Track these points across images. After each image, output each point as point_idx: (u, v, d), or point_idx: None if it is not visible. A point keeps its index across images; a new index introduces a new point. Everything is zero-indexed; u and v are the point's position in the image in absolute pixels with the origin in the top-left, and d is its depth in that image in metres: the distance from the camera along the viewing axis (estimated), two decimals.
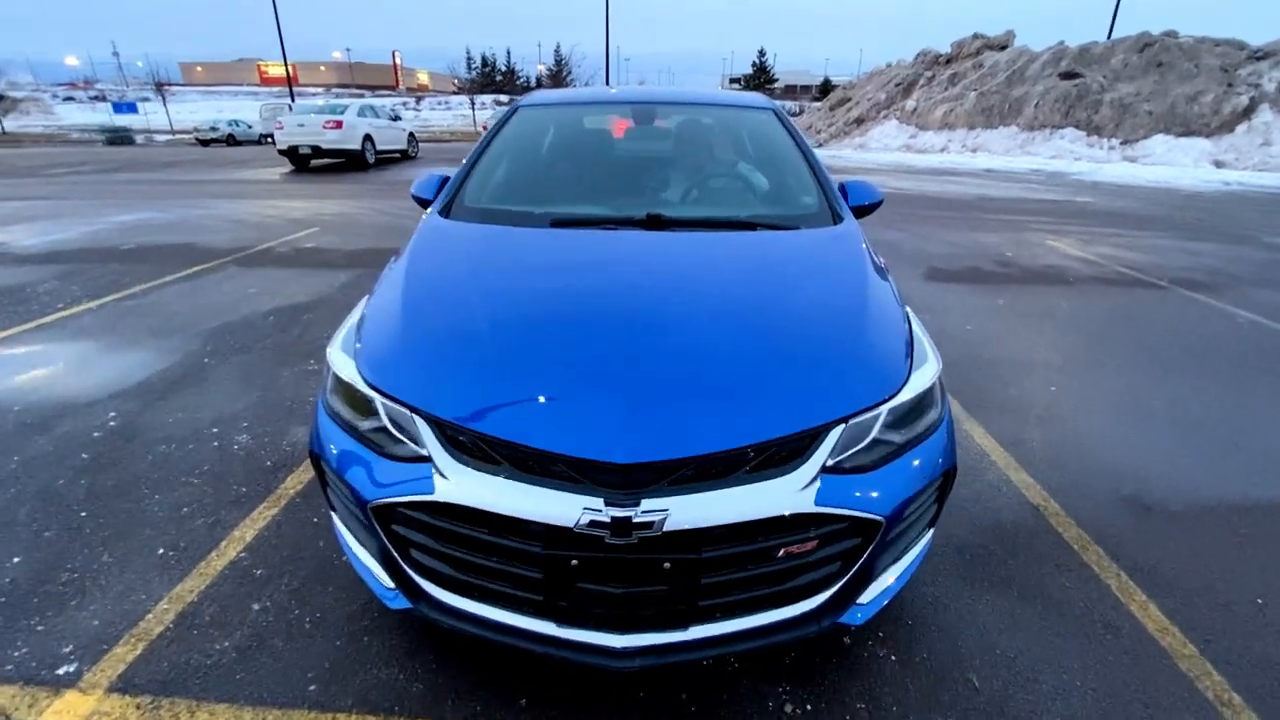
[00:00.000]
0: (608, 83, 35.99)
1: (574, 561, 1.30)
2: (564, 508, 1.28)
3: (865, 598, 1.54)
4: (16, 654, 1.75)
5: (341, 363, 1.62)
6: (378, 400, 1.48)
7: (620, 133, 2.95)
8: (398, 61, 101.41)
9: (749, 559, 1.37)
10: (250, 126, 30.50)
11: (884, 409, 1.47)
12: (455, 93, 78.97)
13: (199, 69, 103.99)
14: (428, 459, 1.38)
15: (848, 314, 1.71)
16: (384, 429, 1.46)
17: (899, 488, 1.45)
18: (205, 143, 29.10)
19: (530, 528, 1.31)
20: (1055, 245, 7.46)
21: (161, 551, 2.16)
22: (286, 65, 35.36)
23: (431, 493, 1.36)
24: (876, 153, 23.59)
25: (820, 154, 24.71)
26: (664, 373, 1.44)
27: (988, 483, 2.61)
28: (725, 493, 1.31)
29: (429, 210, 2.45)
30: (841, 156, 22.34)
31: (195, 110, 46.91)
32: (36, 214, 9.05)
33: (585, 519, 1.26)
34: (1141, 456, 2.82)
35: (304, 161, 15.30)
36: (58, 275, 5.68)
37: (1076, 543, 2.24)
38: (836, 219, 2.33)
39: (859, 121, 28.35)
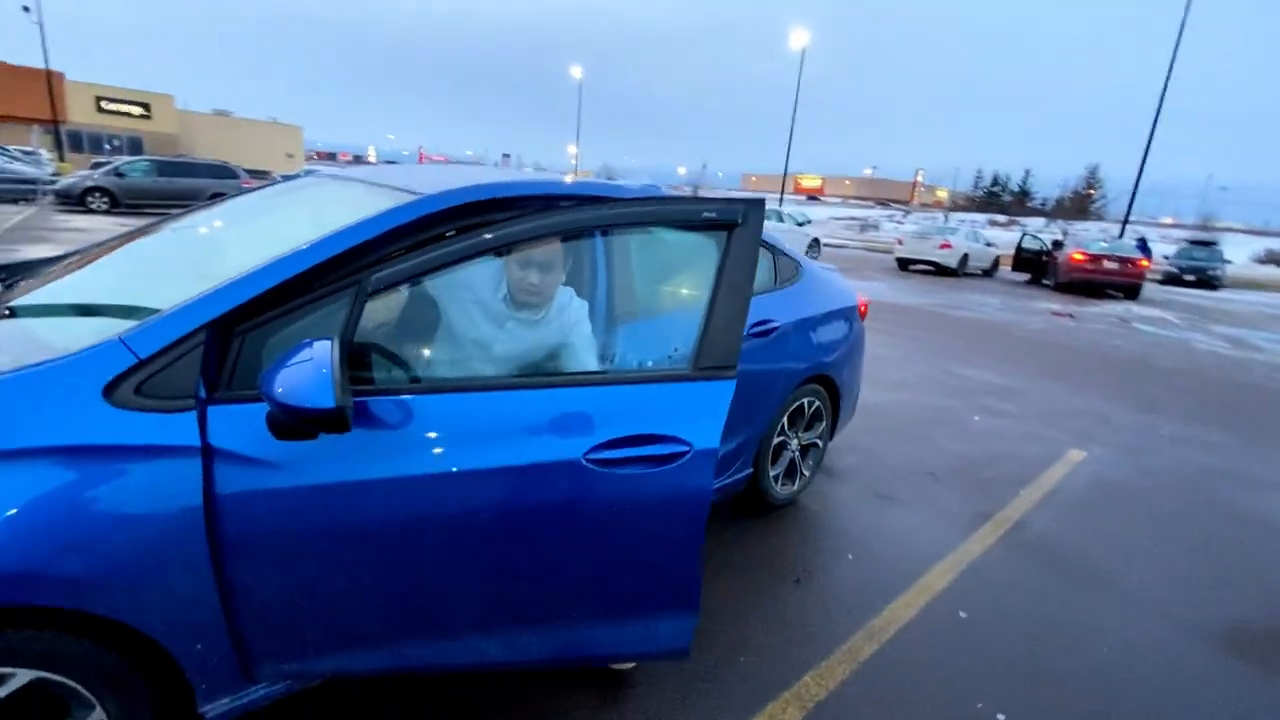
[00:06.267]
0: (1129, 210, 26.08)
1: None
2: None
3: None
4: None
5: None
6: None
7: None
8: (919, 179, 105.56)
9: None
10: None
11: None
12: (951, 209, 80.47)
13: (753, 179, 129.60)
14: None
15: None
16: None
17: None
18: None
19: None
20: None
21: None
22: (782, 178, 40.08)
23: None
24: None
25: None
26: None
27: None
28: None
29: None
30: None
31: None
32: None
33: None
34: None
35: (904, 266, 18.14)
36: None
37: None
38: None
39: None
